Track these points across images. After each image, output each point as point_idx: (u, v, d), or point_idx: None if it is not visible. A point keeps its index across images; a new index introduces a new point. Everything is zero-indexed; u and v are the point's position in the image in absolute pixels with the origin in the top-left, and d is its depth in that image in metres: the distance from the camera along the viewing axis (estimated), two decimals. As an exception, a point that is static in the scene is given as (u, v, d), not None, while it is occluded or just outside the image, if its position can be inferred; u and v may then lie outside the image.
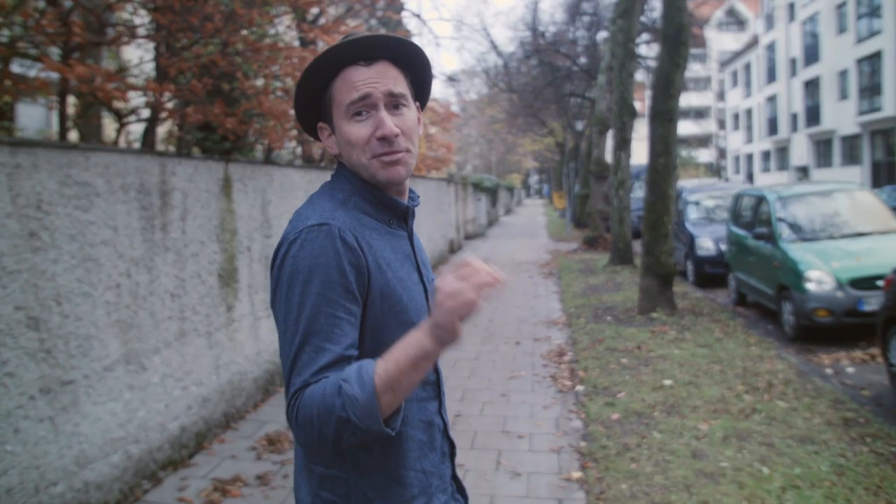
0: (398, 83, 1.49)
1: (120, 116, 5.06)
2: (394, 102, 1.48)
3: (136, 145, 5.81)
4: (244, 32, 5.62)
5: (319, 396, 1.28)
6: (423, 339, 1.32)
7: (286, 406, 1.34)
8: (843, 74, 34.49)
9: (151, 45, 5.49)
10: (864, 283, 7.80)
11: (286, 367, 1.35)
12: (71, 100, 5.08)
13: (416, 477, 1.49)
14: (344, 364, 1.33)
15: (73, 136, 5.42)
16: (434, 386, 1.59)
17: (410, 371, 1.31)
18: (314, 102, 1.53)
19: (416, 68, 1.56)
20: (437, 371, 1.61)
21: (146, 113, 5.38)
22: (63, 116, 4.38)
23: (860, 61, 32.41)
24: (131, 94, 4.98)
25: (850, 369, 7.10)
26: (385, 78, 1.47)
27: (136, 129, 6.11)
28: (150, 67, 5.77)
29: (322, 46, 7.65)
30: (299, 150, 8.40)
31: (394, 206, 1.54)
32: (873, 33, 30.95)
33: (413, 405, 1.50)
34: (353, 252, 1.37)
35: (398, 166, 1.48)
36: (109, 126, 6.09)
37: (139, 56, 5.94)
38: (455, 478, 1.67)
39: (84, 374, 3.84)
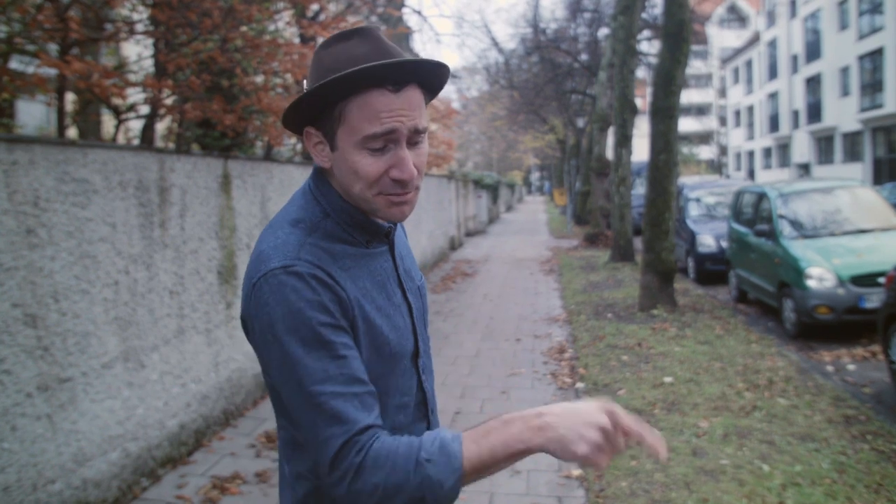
0: (423, 116, 1.31)
1: (118, 113, 5.05)
2: (415, 139, 1.30)
3: (136, 142, 5.80)
4: (243, 29, 5.61)
5: (389, 467, 1.16)
6: (531, 437, 1.17)
7: (322, 465, 1.20)
8: (845, 71, 34.43)
9: (150, 41, 5.47)
10: (866, 280, 7.79)
11: (302, 423, 1.22)
12: (70, 97, 5.07)
13: None
14: (369, 400, 1.23)
15: (71, 132, 5.41)
16: (421, 406, 1.48)
17: (503, 463, 1.19)
18: (315, 110, 1.32)
19: (437, 90, 1.39)
20: (423, 391, 1.48)
21: (145, 109, 5.37)
22: (61, 113, 4.37)
23: (862, 58, 32.36)
24: (130, 90, 4.97)
25: (851, 366, 7.09)
26: (412, 110, 1.27)
27: (136, 125, 6.10)
28: (148, 64, 5.76)
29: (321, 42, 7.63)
30: (299, 146, 8.38)
31: (374, 230, 1.40)
32: (875, 30, 30.90)
33: (402, 434, 1.37)
34: (330, 288, 1.24)
35: (405, 206, 1.33)
36: (109, 123, 6.08)
37: (138, 52, 5.92)
38: None
39: (82, 372, 3.83)
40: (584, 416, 1.17)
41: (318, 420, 1.20)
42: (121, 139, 5.38)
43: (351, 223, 1.36)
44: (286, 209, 1.38)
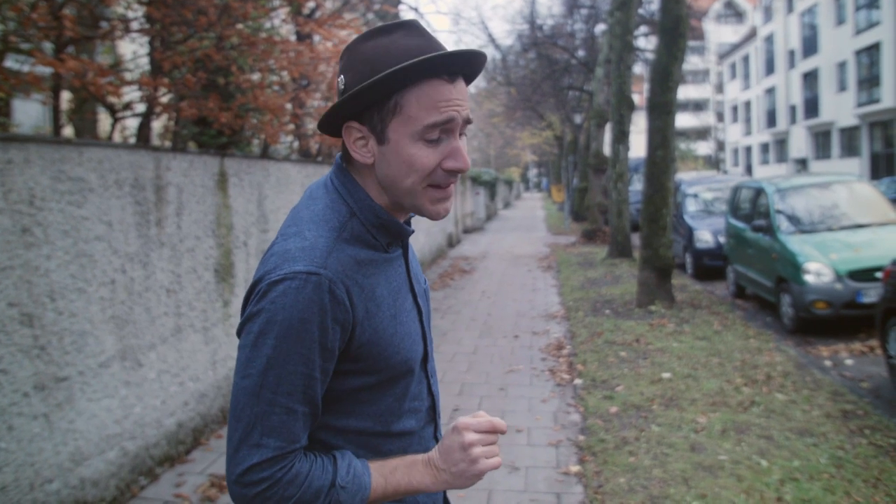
0: (468, 107, 1.33)
1: (114, 111, 5.03)
2: (464, 130, 1.33)
3: (132, 140, 5.79)
4: (239, 26, 5.59)
5: (305, 486, 1.24)
6: (426, 480, 1.34)
7: (236, 464, 1.22)
8: (842, 66, 34.44)
9: (145, 39, 5.45)
10: (863, 274, 7.79)
11: (242, 418, 1.22)
12: (66, 95, 5.05)
13: (410, 501, 1.44)
14: (311, 422, 1.28)
15: (67, 131, 5.39)
16: (430, 411, 1.50)
17: (403, 496, 1.35)
18: (365, 103, 1.29)
19: (473, 79, 1.40)
20: (432, 395, 1.51)
21: (141, 108, 5.35)
22: (56, 111, 4.35)
23: (859, 53, 32.37)
24: (126, 88, 4.95)
25: (849, 361, 7.09)
26: (464, 100, 1.30)
27: (132, 124, 6.08)
28: (144, 62, 5.74)
29: (319, 40, 7.62)
30: (296, 144, 8.36)
31: (397, 231, 1.38)
32: (872, 24, 30.90)
33: (414, 438, 1.44)
34: (342, 307, 1.23)
35: (447, 203, 1.35)
36: (105, 121, 6.06)
37: (133, 51, 5.90)
38: (446, 500, 1.61)
39: (79, 371, 3.82)
40: (464, 464, 1.32)
41: (258, 425, 1.22)
42: (117, 137, 5.36)
43: (376, 224, 1.35)
44: (311, 207, 1.34)
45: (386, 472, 1.32)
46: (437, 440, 1.51)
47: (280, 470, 1.22)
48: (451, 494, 1.37)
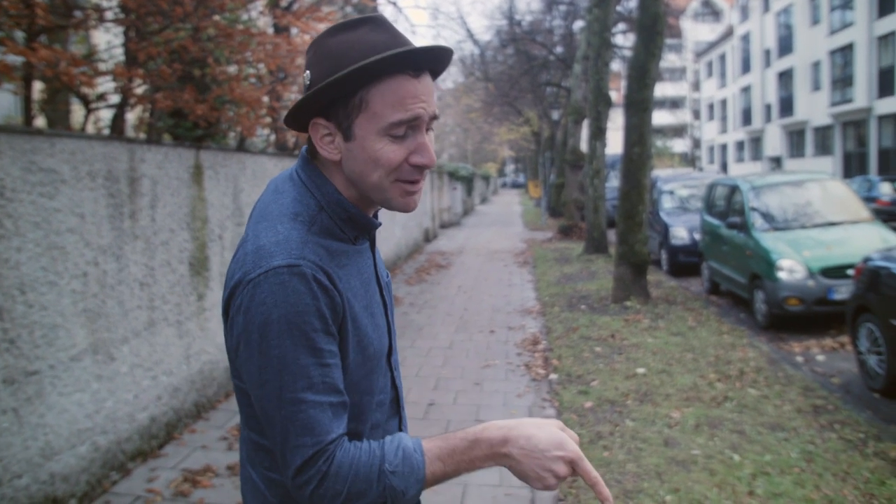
0: (435, 102, 1.33)
1: (87, 102, 4.97)
2: (430, 125, 1.32)
3: (106, 132, 5.71)
4: (216, 18, 5.54)
5: (352, 475, 1.22)
6: (494, 463, 1.31)
7: (286, 469, 1.23)
8: (816, 66, 34.85)
9: (120, 29, 5.38)
10: (835, 272, 7.90)
11: (275, 424, 1.22)
12: (38, 85, 4.98)
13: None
14: (341, 410, 1.25)
15: (40, 122, 5.32)
16: (393, 403, 1.50)
17: (462, 473, 1.30)
18: (330, 99, 1.28)
19: (439, 75, 1.40)
20: (395, 387, 1.51)
21: (115, 99, 5.29)
22: (28, 102, 4.28)
23: (833, 53, 32.77)
24: (100, 79, 4.89)
25: (821, 357, 7.18)
26: (430, 96, 1.29)
27: (107, 115, 6.00)
28: (119, 52, 5.67)
29: (296, 33, 7.57)
30: (272, 137, 8.31)
31: (365, 225, 1.38)
32: (846, 25, 31.30)
33: (377, 432, 1.42)
34: (328, 292, 1.23)
35: (416, 196, 1.35)
36: (79, 112, 5.98)
37: (107, 41, 5.83)
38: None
39: (49, 365, 3.78)
40: (546, 456, 1.27)
41: (291, 427, 1.21)
42: (90, 129, 5.29)
43: (343, 217, 1.34)
44: (279, 201, 1.33)
45: (444, 455, 1.28)
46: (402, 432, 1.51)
47: (324, 463, 1.21)
48: (425, 491, 1.35)
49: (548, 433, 1.29)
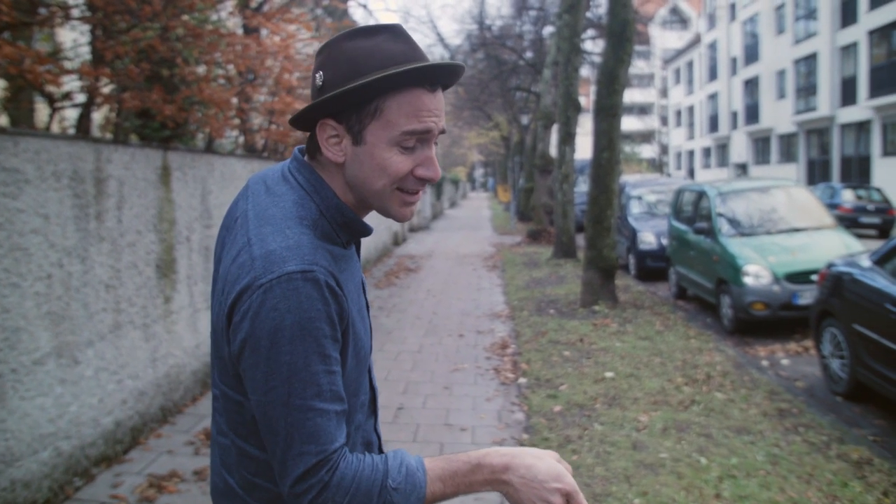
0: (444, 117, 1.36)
1: (52, 101, 4.88)
2: (436, 139, 1.35)
3: (71, 131, 5.62)
4: (185, 17, 5.47)
5: (354, 488, 1.21)
6: (492, 489, 1.31)
7: (285, 477, 1.21)
8: (781, 74, 35.44)
9: (87, 27, 5.30)
10: (799, 277, 8.03)
11: (278, 431, 1.20)
12: (1, 83, 4.89)
13: None
14: (343, 418, 1.25)
15: (2, 120, 5.22)
16: (371, 403, 1.51)
17: (459, 495, 1.31)
18: (345, 103, 1.28)
19: (446, 90, 1.42)
20: (373, 388, 1.51)
21: (81, 98, 5.20)
22: (-9, 100, 4.20)
23: (797, 62, 33.36)
24: (65, 77, 4.81)
25: (785, 361, 7.29)
26: (442, 112, 1.32)
27: (72, 114, 5.91)
28: (85, 51, 5.58)
29: (266, 34, 7.52)
30: (241, 139, 8.24)
31: (359, 230, 1.38)
32: (810, 35, 31.87)
33: (359, 433, 1.43)
34: (338, 298, 1.23)
35: (413, 207, 1.37)
36: (43, 111, 5.88)
37: (73, 39, 5.74)
38: None
39: (11, 368, 3.70)
40: (545, 487, 1.27)
41: (296, 434, 1.19)
42: (55, 128, 5.20)
43: (340, 222, 1.34)
44: (279, 203, 1.30)
45: (445, 476, 1.29)
46: (377, 432, 1.53)
47: (326, 473, 1.20)
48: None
49: (547, 464, 1.30)
